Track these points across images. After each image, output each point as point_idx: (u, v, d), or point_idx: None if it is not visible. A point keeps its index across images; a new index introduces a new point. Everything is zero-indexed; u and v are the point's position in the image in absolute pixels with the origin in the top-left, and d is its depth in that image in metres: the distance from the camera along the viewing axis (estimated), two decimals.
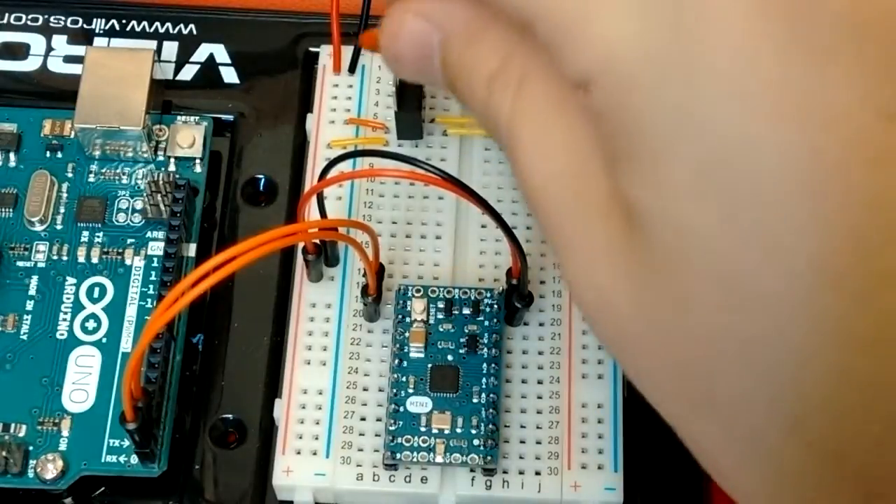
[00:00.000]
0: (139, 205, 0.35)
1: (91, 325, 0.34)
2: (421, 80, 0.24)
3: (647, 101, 0.17)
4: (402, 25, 0.23)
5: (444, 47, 0.22)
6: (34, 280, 0.34)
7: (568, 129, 0.20)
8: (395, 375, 0.31)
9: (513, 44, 0.21)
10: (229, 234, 0.36)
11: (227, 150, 0.37)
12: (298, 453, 0.31)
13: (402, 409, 0.31)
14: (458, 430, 0.31)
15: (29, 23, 0.39)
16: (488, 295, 0.32)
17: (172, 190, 0.34)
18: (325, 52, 0.37)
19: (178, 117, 0.37)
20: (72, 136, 0.36)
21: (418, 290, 0.32)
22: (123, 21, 0.39)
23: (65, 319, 0.34)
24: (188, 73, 0.38)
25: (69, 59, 0.38)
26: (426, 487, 0.31)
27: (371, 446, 0.31)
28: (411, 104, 0.34)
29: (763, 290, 0.17)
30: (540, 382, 0.32)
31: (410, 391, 0.31)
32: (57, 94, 0.37)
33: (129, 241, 0.35)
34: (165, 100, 0.37)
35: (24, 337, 0.34)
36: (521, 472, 0.31)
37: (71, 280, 0.34)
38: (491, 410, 0.31)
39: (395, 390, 0.31)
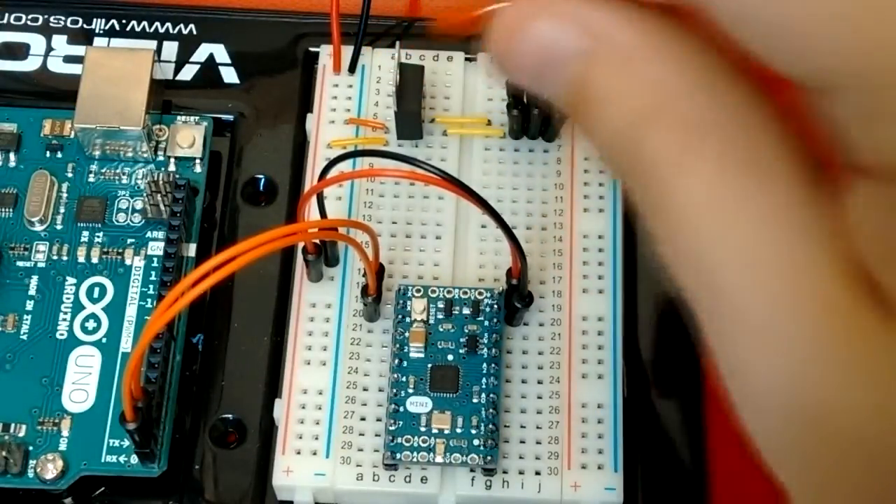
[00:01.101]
0: (139, 205, 0.35)
1: (91, 325, 0.34)
2: (532, 86, 0.20)
3: None
4: (536, 20, 0.19)
5: (592, 61, 0.18)
6: (34, 280, 0.34)
7: (798, 212, 0.16)
8: (395, 375, 0.31)
9: (708, 82, 0.17)
10: (229, 234, 0.36)
11: (227, 150, 0.37)
12: (298, 453, 0.31)
13: (402, 409, 0.31)
14: (458, 430, 0.31)
15: (29, 23, 0.39)
16: (488, 295, 0.32)
17: (172, 190, 0.34)
18: (325, 52, 0.37)
19: (178, 117, 0.37)
20: (72, 136, 0.36)
21: (418, 290, 0.32)
22: (123, 21, 0.39)
23: (65, 319, 0.34)
24: (188, 73, 0.38)
25: (69, 59, 0.38)
26: (426, 487, 0.31)
27: (371, 446, 0.31)
28: (411, 104, 0.34)
29: None
30: (540, 382, 0.32)
31: (410, 391, 0.31)
32: (57, 94, 0.37)
33: (129, 241, 0.35)
34: (165, 100, 0.37)
35: (24, 337, 0.34)
36: (521, 472, 0.31)
37: (71, 280, 0.34)
38: (491, 410, 0.31)
39: (395, 390, 0.31)
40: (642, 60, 0.18)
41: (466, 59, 0.37)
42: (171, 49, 0.38)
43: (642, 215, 0.18)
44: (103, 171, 0.36)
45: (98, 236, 0.35)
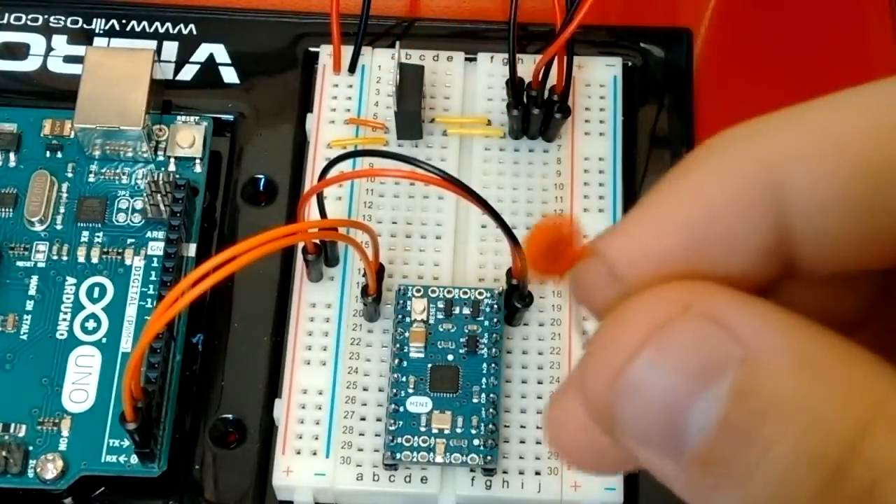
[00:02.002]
0: (139, 205, 0.35)
1: (91, 325, 0.34)
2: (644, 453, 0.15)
3: None
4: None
5: (757, 367, 0.14)
6: (34, 280, 0.34)
7: None
8: (395, 375, 0.31)
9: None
10: (229, 234, 0.36)
11: (227, 150, 0.37)
12: (298, 453, 0.31)
13: (402, 409, 0.31)
14: (458, 430, 0.31)
15: (29, 23, 0.39)
16: (488, 295, 0.32)
17: (172, 190, 0.34)
18: (325, 52, 0.37)
19: (178, 117, 0.37)
20: (72, 136, 0.36)
21: (418, 290, 0.32)
22: (123, 21, 0.39)
23: (65, 319, 0.34)
24: (188, 73, 0.38)
25: (69, 59, 0.38)
26: (426, 487, 0.31)
27: (371, 446, 0.31)
28: (411, 104, 0.34)
29: None
30: (540, 382, 0.32)
31: (410, 391, 0.31)
32: (57, 94, 0.37)
33: (129, 241, 0.35)
34: (165, 100, 0.37)
35: (24, 337, 0.33)
36: (521, 472, 0.31)
37: (71, 280, 0.34)
38: (491, 410, 0.31)
39: (395, 390, 0.31)
40: (833, 362, 0.14)
41: (466, 59, 0.37)
42: (171, 49, 0.38)
43: None
44: (103, 171, 0.36)
45: (98, 236, 0.35)
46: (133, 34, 0.38)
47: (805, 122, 0.16)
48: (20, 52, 0.38)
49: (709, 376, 0.14)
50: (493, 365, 0.32)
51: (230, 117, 0.37)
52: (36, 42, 0.38)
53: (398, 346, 0.32)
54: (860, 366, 0.14)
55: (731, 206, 0.15)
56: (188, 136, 0.36)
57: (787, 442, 0.14)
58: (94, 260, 0.35)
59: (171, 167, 0.36)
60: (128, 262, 0.35)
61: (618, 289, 0.16)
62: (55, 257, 0.35)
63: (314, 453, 0.31)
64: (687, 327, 0.15)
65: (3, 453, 0.32)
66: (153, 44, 0.38)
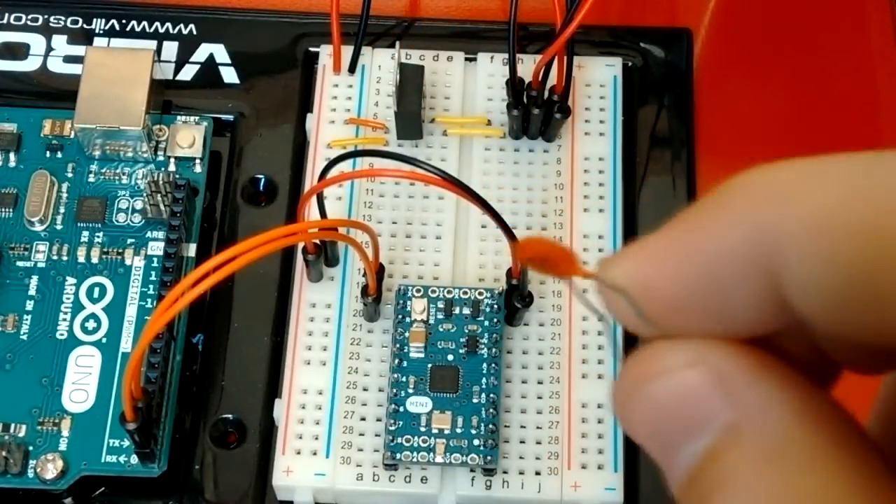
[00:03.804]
0: (139, 205, 0.35)
1: (91, 325, 0.34)
2: (650, 445, 0.16)
3: None
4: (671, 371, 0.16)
5: (733, 442, 0.15)
6: (34, 280, 0.34)
7: None
8: (395, 375, 0.31)
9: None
10: (229, 234, 0.36)
11: (227, 150, 0.37)
12: (298, 453, 0.31)
13: (402, 409, 0.31)
14: (458, 430, 0.31)
15: (29, 23, 0.39)
16: (488, 295, 0.32)
17: (172, 190, 0.34)
18: (325, 52, 0.37)
19: (178, 117, 0.37)
20: (72, 136, 0.36)
21: (418, 290, 0.32)
22: (123, 21, 0.39)
23: (65, 319, 0.34)
24: (188, 73, 0.38)
25: (69, 59, 0.38)
26: (426, 487, 0.31)
27: (371, 446, 0.31)
28: (411, 104, 0.34)
29: None
30: (540, 382, 0.32)
31: (410, 391, 0.31)
32: (57, 94, 0.37)
33: (129, 241, 0.35)
34: (165, 100, 0.37)
35: (24, 337, 0.33)
36: (521, 472, 0.31)
37: (71, 280, 0.34)
38: (491, 410, 0.31)
39: (395, 390, 0.31)
40: (804, 462, 0.15)
41: (466, 59, 0.37)
42: (171, 49, 0.38)
43: None
44: (103, 171, 0.36)
45: (98, 236, 0.35)
46: (133, 34, 0.38)
47: (811, 193, 0.15)
48: (20, 52, 0.38)
49: (694, 430, 0.15)
50: (493, 365, 0.32)
51: (230, 117, 0.37)
52: (36, 42, 0.38)
53: (398, 346, 0.32)
54: (835, 477, 0.14)
55: (727, 265, 0.16)
56: (188, 136, 0.36)
57: None
58: (94, 260, 0.35)
59: (171, 167, 0.36)
60: (128, 262, 0.35)
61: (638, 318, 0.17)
62: (55, 257, 0.35)
63: (314, 453, 0.31)
64: (691, 377, 0.15)
65: (3, 453, 0.32)
66: (153, 44, 0.38)
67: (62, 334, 0.34)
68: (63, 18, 0.39)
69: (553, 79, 0.34)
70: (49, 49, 0.38)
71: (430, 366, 0.31)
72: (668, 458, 0.16)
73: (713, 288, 0.16)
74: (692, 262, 0.16)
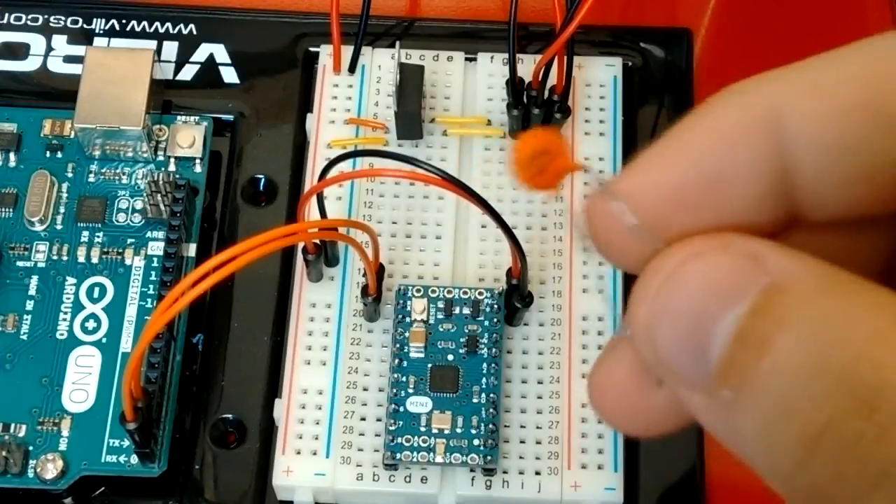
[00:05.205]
0: (139, 205, 0.35)
1: (91, 325, 0.34)
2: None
3: None
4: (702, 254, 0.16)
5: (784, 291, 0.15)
6: (34, 280, 0.34)
7: None
8: (395, 375, 0.31)
9: None
10: (229, 234, 0.36)
11: (227, 150, 0.37)
12: (298, 453, 0.31)
13: (402, 409, 0.31)
14: (458, 430, 0.31)
15: (29, 23, 0.39)
16: (488, 295, 0.32)
17: (172, 190, 0.34)
18: (325, 52, 0.37)
19: (178, 117, 0.37)
20: (72, 136, 0.36)
21: (418, 290, 0.32)
22: (123, 21, 0.39)
23: (65, 319, 0.34)
24: (188, 73, 0.38)
25: (69, 59, 0.38)
26: (426, 487, 0.31)
27: (371, 446, 0.31)
28: (411, 104, 0.34)
29: None
30: (540, 382, 0.32)
31: (410, 391, 0.31)
32: (57, 94, 0.37)
33: (129, 241, 0.35)
34: (165, 100, 0.37)
35: (24, 337, 0.33)
36: (521, 472, 0.31)
37: (71, 280, 0.34)
38: (491, 410, 0.31)
39: (395, 390, 0.31)
40: (849, 287, 0.15)
41: (466, 59, 0.37)
42: (171, 49, 0.38)
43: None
44: (103, 171, 0.36)
45: (98, 236, 0.35)
46: (133, 34, 0.38)
47: (803, 71, 0.17)
48: (20, 52, 0.38)
49: (733, 298, 0.15)
50: (493, 365, 0.32)
51: (230, 117, 0.37)
52: (36, 42, 0.38)
53: (398, 346, 0.32)
54: (877, 293, 0.15)
55: (734, 152, 0.16)
56: (188, 136, 0.36)
57: (797, 351, 0.15)
58: (94, 260, 0.35)
59: (171, 167, 0.36)
60: (128, 262, 0.35)
61: (637, 233, 0.17)
62: (55, 257, 0.35)
63: (314, 453, 0.31)
64: (723, 256, 0.16)
65: (3, 453, 0.32)
66: (153, 44, 0.38)
67: (62, 334, 0.34)
68: (63, 18, 0.39)
69: (553, 79, 0.34)
70: (49, 49, 0.38)
71: (430, 366, 0.31)
72: (705, 335, 0.15)
73: (719, 178, 0.16)
74: (699, 153, 0.16)
